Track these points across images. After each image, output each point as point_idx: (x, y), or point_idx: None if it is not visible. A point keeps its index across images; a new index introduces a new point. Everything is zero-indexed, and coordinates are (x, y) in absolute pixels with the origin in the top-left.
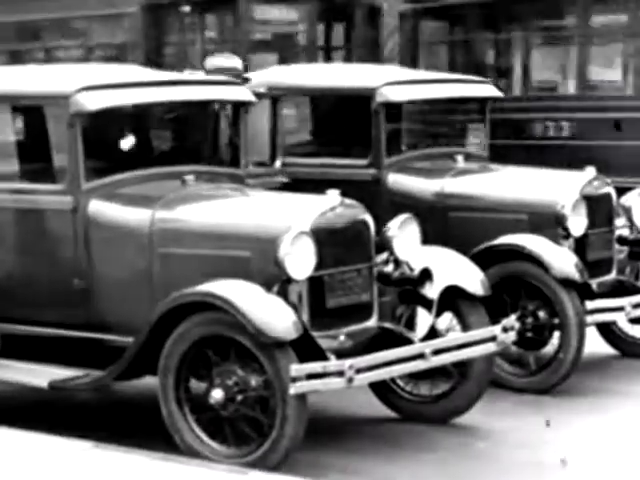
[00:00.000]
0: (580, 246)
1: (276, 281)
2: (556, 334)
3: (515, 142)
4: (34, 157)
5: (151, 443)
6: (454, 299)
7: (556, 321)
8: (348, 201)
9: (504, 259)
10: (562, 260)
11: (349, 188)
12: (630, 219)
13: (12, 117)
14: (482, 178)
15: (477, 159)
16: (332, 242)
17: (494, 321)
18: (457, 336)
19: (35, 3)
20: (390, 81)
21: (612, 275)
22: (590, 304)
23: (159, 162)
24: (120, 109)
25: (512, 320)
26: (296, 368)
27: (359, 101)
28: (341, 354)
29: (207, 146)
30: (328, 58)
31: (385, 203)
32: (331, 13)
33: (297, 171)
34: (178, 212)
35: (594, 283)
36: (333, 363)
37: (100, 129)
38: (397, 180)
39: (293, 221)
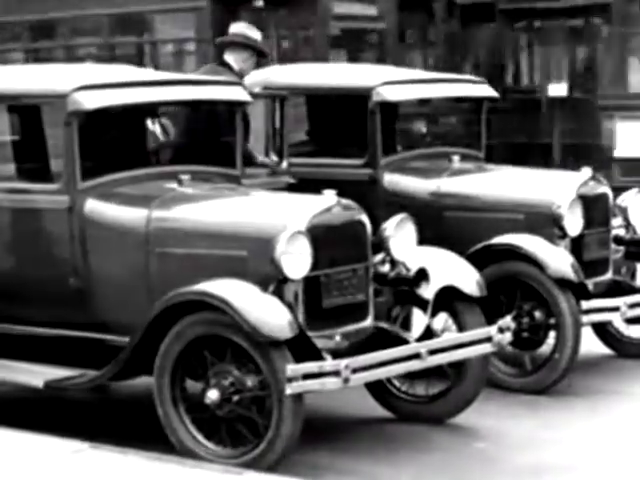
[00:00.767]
0: (576, 246)
1: (272, 281)
2: (552, 334)
3: None
4: (30, 156)
5: (147, 443)
6: (450, 299)
7: (552, 321)
8: (344, 201)
9: (500, 259)
10: (558, 260)
11: (345, 188)
12: (626, 219)
13: (8, 116)
14: (478, 178)
15: (473, 159)
16: (328, 242)
17: (490, 321)
18: (453, 336)
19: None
20: (387, 81)
21: (608, 275)
22: (586, 304)
23: (155, 162)
24: (117, 108)
25: (508, 320)
26: (292, 368)
27: (355, 100)
28: (337, 354)
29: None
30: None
31: (381, 203)
32: (411, 8)
33: (293, 171)
34: (174, 212)
35: (590, 283)
36: (329, 363)
37: (97, 128)
38: (393, 180)
39: (289, 221)
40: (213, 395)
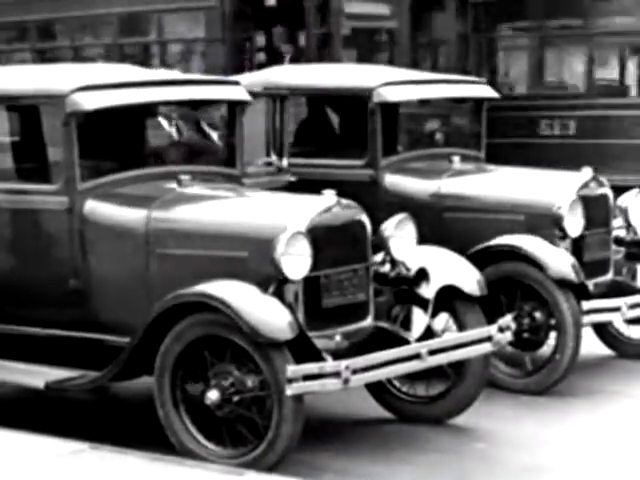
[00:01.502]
0: (577, 247)
1: (272, 281)
2: (552, 335)
3: None
4: (29, 157)
5: (147, 444)
6: (450, 299)
7: (552, 322)
8: (344, 201)
9: (500, 260)
10: (558, 261)
11: (346, 188)
12: (627, 220)
13: (8, 117)
14: (478, 179)
15: (473, 160)
16: (328, 242)
17: (490, 321)
18: (453, 336)
19: None
20: (387, 81)
21: (609, 276)
22: (586, 305)
23: (155, 162)
24: (116, 109)
25: (508, 320)
26: (292, 369)
27: (356, 101)
28: (337, 354)
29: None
30: (418, 52)
31: (382, 204)
32: (423, 7)
33: (294, 171)
34: (174, 212)
35: (591, 284)
36: (329, 364)
37: (96, 129)
38: (394, 181)
39: (289, 221)
40: (213, 396)
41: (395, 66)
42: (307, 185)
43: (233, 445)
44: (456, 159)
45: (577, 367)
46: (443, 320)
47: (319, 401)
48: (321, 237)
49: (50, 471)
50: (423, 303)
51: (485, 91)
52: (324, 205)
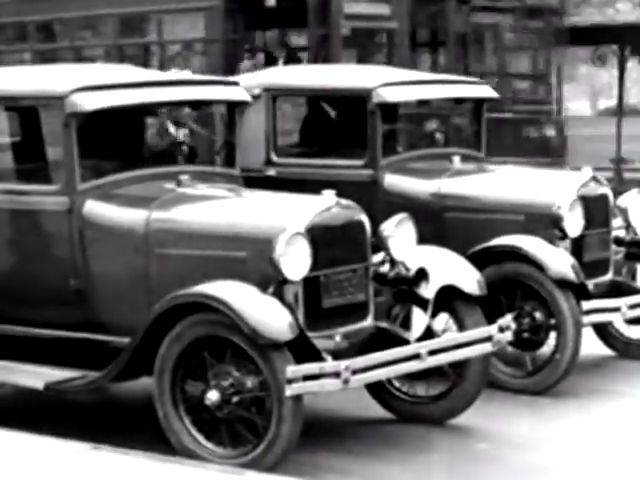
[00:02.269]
0: (576, 247)
1: (272, 282)
2: (552, 335)
3: None
4: (29, 158)
5: (148, 444)
6: (450, 299)
7: (552, 322)
8: (344, 201)
9: (500, 260)
10: (558, 261)
11: (345, 189)
12: (627, 220)
13: (7, 118)
14: (478, 179)
15: (473, 160)
16: (328, 242)
17: (490, 322)
18: (453, 336)
19: None
20: (386, 82)
21: (608, 276)
22: (586, 305)
23: (154, 162)
24: (115, 109)
25: (508, 319)
26: (292, 370)
27: (355, 102)
28: (337, 354)
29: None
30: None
31: (381, 204)
32: (424, 8)
33: (293, 172)
34: (174, 213)
35: (590, 284)
36: (329, 364)
37: (95, 130)
38: (393, 181)
39: (288, 222)
40: (213, 396)
41: (395, 66)
42: (307, 185)
43: (233, 445)
44: (456, 159)
45: (577, 367)
46: (443, 320)
47: (319, 401)
48: (320, 237)
49: (50, 471)
50: (423, 303)
51: (485, 91)
52: (323, 205)
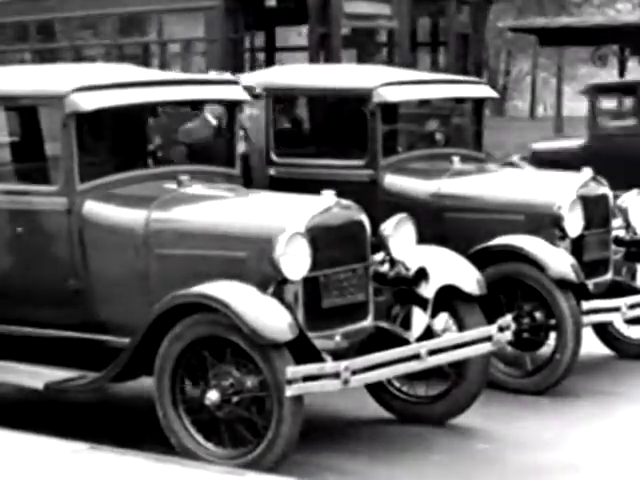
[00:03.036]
0: (576, 247)
1: (271, 282)
2: (552, 335)
3: None
4: (29, 158)
5: (147, 444)
6: (450, 299)
7: (552, 322)
8: (343, 201)
9: (500, 260)
10: (558, 261)
11: (345, 189)
12: (627, 220)
13: (6, 117)
14: (478, 179)
15: (473, 160)
16: (327, 242)
17: (490, 322)
18: (453, 336)
19: None
20: (387, 82)
21: (608, 276)
22: (586, 305)
23: (154, 162)
24: (115, 109)
25: (508, 319)
26: (292, 370)
27: (356, 102)
28: (337, 354)
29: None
30: (416, 51)
31: (381, 204)
32: (424, 7)
33: (293, 171)
34: (173, 212)
35: (590, 284)
36: (329, 365)
37: (95, 129)
38: (393, 181)
39: (288, 222)
40: (213, 396)
41: (395, 66)
42: (307, 185)
43: (233, 445)
44: (456, 159)
45: (577, 367)
46: (443, 320)
47: (319, 401)
48: (320, 237)
49: (50, 471)
50: (423, 303)
51: (485, 91)
52: (323, 205)
